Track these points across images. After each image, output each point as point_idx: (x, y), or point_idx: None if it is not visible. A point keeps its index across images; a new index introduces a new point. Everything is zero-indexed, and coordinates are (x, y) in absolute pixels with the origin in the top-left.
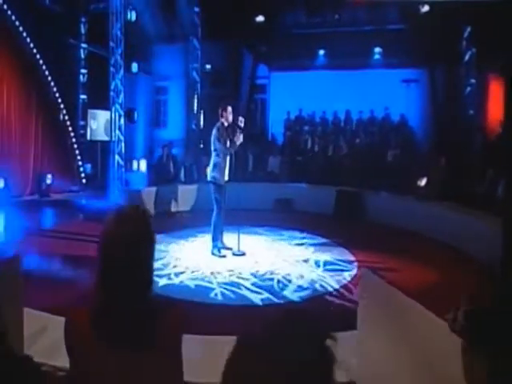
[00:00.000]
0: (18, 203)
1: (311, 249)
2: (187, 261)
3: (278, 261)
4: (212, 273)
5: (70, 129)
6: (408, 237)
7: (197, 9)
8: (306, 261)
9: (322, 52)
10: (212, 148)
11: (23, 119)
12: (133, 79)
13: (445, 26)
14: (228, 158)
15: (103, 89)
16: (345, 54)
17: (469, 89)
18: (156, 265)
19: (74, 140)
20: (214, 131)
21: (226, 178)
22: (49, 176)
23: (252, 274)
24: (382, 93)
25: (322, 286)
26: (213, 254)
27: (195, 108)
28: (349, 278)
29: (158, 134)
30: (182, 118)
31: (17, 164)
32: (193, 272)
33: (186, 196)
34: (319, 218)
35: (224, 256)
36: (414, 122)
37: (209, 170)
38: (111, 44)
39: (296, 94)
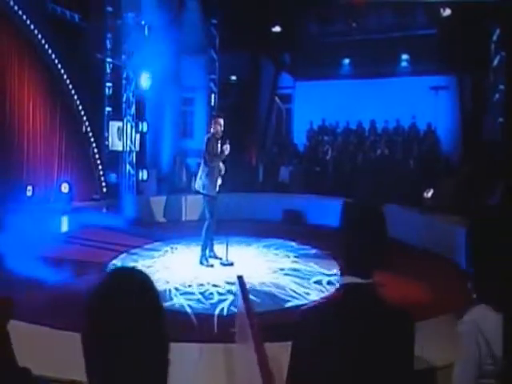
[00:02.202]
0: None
1: (300, 260)
2: (171, 269)
3: (259, 273)
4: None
5: (92, 140)
6: (412, 252)
7: (214, 20)
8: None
9: (347, 61)
10: (202, 159)
11: (48, 130)
12: (158, 90)
13: (471, 28)
14: (218, 170)
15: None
16: (371, 62)
17: (497, 96)
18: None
19: (95, 150)
20: (205, 142)
21: (218, 186)
22: (65, 185)
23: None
24: (408, 101)
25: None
26: (201, 263)
27: (211, 118)
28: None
29: (185, 145)
30: (206, 128)
31: (42, 173)
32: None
33: (194, 205)
34: (323, 230)
35: (212, 265)
36: (443, 131)
37: (198, 180)
38: (123, 57)
39: (320, 104)
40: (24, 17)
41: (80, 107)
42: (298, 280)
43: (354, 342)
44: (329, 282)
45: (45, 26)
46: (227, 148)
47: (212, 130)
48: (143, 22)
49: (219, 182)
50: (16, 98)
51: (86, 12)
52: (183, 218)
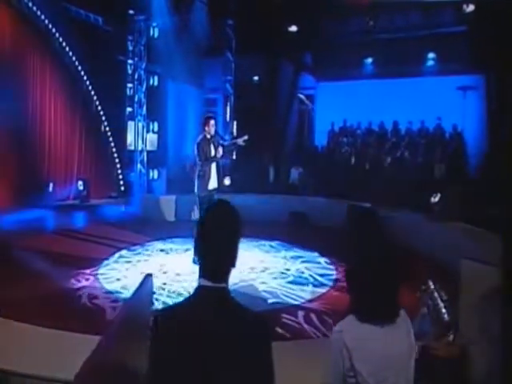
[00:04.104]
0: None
1: (297, 262)
2: (166, 266)
3: (249, 274)
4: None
5: (111, 139)
6: (416, 259)
7: (230, 21)
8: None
9: (369, 60)
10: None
11: (68, 130)
12: (180, 91)
13: (500, 25)
14: (212, 168)
15: (148, 102)
16: (394, 61)
17: None
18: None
19: (114, 150)
20: (197, 143)
21: (212, 186)
22: (80, 183)
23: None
24: (434, 102)
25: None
26: (194, 262)
27: (228, 119)
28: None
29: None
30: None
31: (62, 170)
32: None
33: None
34: (328, 233)
35: None
36: (470, 133)
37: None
38: (136, 59)
39: (342, 105)
40: (46, 21)
41: (99, 108)
42: (288, 283)
43: (204, 346)
44: (321, 285)
45: (68, 29)
46: (219, 152)
47: (204, 132)
48: (154, 24)
49: (227, 181)
50: (38, 99)
51: (109, 15)
52: (192, 218)
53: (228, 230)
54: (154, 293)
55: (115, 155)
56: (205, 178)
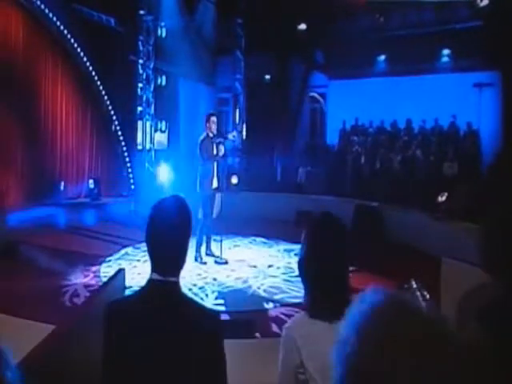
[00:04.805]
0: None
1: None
2: None
3: (248, 272)
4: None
5: (121, 138)
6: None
7: (239, 20)
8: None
9: (382, 57)
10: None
11: (80, 129)
12: (193, 90)
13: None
14: (214, 167)
15: (159, 101)
16: (408, 58)
17: None
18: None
19: (124, 149)
20: (199, 141)
21: (214, 185)
22: (91, 181)
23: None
24: (449, 99)
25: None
26: (195, 260)
27: (237, 118)
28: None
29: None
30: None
31: (74, 169)
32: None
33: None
34: None
35: (205, 263)
36: (486, 131)
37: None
38: (144, 58)
39: (354, 103)
40: (58, 23)
41: (110, 107)
42: (285, 281)
43: (152, 339)
44: None
45: (80, 30)
46: (221, 150)
47: (206, 130)
48: (163, 24)
49: (234, 180)
50: (50, 99)
51: (121, 16)
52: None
53: (176, 226)
54: (125, 287)
55: (126, 154)
56: (208, 176)
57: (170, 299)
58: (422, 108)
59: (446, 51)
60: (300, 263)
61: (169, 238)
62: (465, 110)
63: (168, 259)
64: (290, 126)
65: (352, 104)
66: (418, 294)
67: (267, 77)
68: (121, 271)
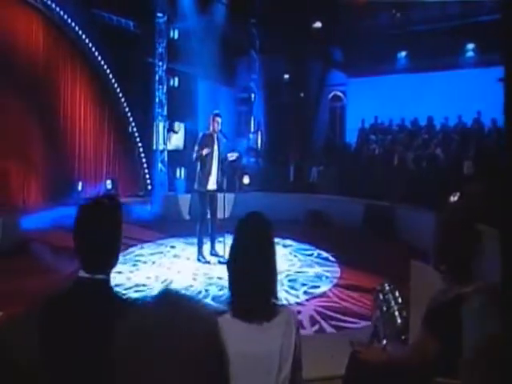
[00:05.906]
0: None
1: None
2: (162, 265)
3: None
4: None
5: (138, 139)
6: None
7: (253, 20)
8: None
9: (403, 54)
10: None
11: (97, 131)
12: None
13: None
14: (214, 167)
15: (175, 102)
16: (430, 53)
17: None
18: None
19: (141, 150)
20: (199, 138)
21: (211, 186)
22: (108, 182)
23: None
24: (473, 95)
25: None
26: (198, 260)
27: (252, 118)
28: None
29: (242, 143)
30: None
31: (91, 170)
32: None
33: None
34: (344, 232)
35: (208, 262)
36: None
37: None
38: (157, 59)
39: (374, 101)
40: (76, 28)
41: (127, 109)
42: (289, 281)
43: (78, 334)
44: (316, 287)
45: (98, 34)
46: (233, 156)
47: (210, 128)
48: (179, 26)
49: (246, 180)
50: (69, 101)
51: (139, 19)
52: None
53: (104, 224)
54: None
55: (142, 155)
56: (203, 173)
57: (96, 296)
58: (444, 105)
59: (470, 45)
60: (227, 263)
61: (96, 237)
62: (490, 107)
63: (95, 258)
64: (307, 125)
65: (372, 102)
66: (391, 296)
67: (286, 76)
68: None
